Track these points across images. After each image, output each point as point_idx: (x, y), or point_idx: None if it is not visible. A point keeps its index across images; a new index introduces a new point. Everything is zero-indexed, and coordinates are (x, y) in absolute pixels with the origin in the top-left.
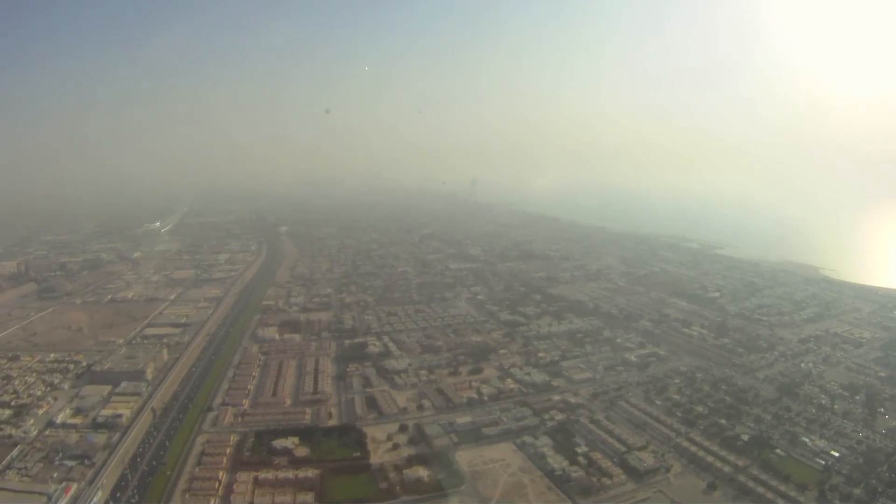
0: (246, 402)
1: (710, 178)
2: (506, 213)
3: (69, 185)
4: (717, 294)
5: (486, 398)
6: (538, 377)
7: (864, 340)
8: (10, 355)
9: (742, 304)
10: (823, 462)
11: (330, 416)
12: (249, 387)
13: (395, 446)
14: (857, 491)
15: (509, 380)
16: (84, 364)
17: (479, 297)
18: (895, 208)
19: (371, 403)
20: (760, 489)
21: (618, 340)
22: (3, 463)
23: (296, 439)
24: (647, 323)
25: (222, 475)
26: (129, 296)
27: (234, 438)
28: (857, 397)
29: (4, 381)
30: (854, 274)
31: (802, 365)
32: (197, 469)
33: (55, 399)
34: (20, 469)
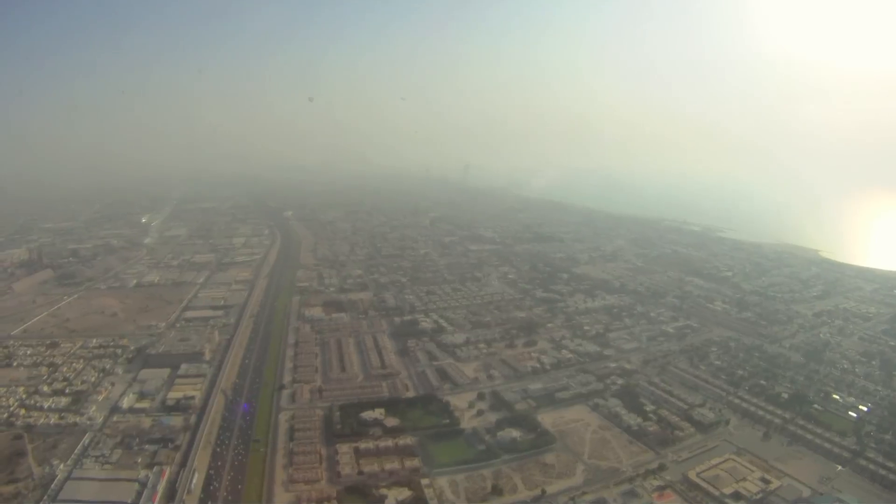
0: (318, 379)
1: (697, 163)
2: (505, 196)
3: (59, 173)
4: (730, 273)
5: (547, 367)
6: (590, 347)
7: (871, 315)
8: (48, 342)
9: (754, 282)
10: (855, 415)
11: (406, 388)
12: (316, 364)
13: (480, 412)
14: (887, 436)
15: (564, 350)
16: (132, 348)
17: (510, 276)
18: (878, 194)
19: (443, 375)
20: (809, 436)
21: (651, 314)
22: (77, 451)
23: (382, 411)
24: (673, 299)
25: (319, 448)
26: (155, 280)
27: (318, 413)
28: (874, 363)
29: (51, 369)
30: (850, 256)
31: (821, 335)
32: (291, 444)
33: (112, 384)
34: (98, 457)
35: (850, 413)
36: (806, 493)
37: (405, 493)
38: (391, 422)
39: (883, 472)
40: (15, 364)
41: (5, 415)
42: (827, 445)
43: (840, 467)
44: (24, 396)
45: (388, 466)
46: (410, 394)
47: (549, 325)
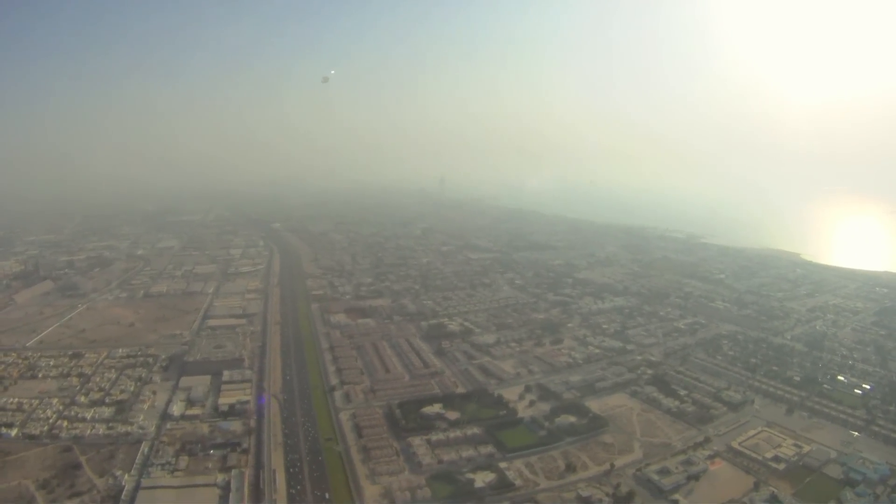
0: (366, 380)
1: (654, 175)
2: (484, 207)
3: (30, 186)
4: (723, 276)
5: (580, 361)
6: (613, 343)
7: (858, 309)
8: (70, 353)
9: (747, 283)
10: (861, 392)
11: (455, 384)
12: (359, 366)
13: (532, 403)
14: (892, 408)
15: (590, 346)
16: (164, 357)
17: (517, 282)
18: (836, 202)
19: (485, 372)
20: (826, 409)
21: (660, 313)
22: (138, 460)
23: (440, 406)
24: (676, 299)
25: (392, 442)
26: (164, 290)
27: (378, 411)
28: (869, 349)
29: (83, 379)
30: (826, 257)
31: (818, 328)
32: (362, 440)
33: (154, 392)
34: (164, 464)
35: (855, 390)
36: (833, 454)
37: (490, 476)
38: (453, 415)
39: (894, 435)
40: (41, 375)
41: (46, 427)
42: (843, 416)
43: (857, 433)
44: (61, 408)
45: (464, 454)
46: (461, 390)
47: (569, 325)
